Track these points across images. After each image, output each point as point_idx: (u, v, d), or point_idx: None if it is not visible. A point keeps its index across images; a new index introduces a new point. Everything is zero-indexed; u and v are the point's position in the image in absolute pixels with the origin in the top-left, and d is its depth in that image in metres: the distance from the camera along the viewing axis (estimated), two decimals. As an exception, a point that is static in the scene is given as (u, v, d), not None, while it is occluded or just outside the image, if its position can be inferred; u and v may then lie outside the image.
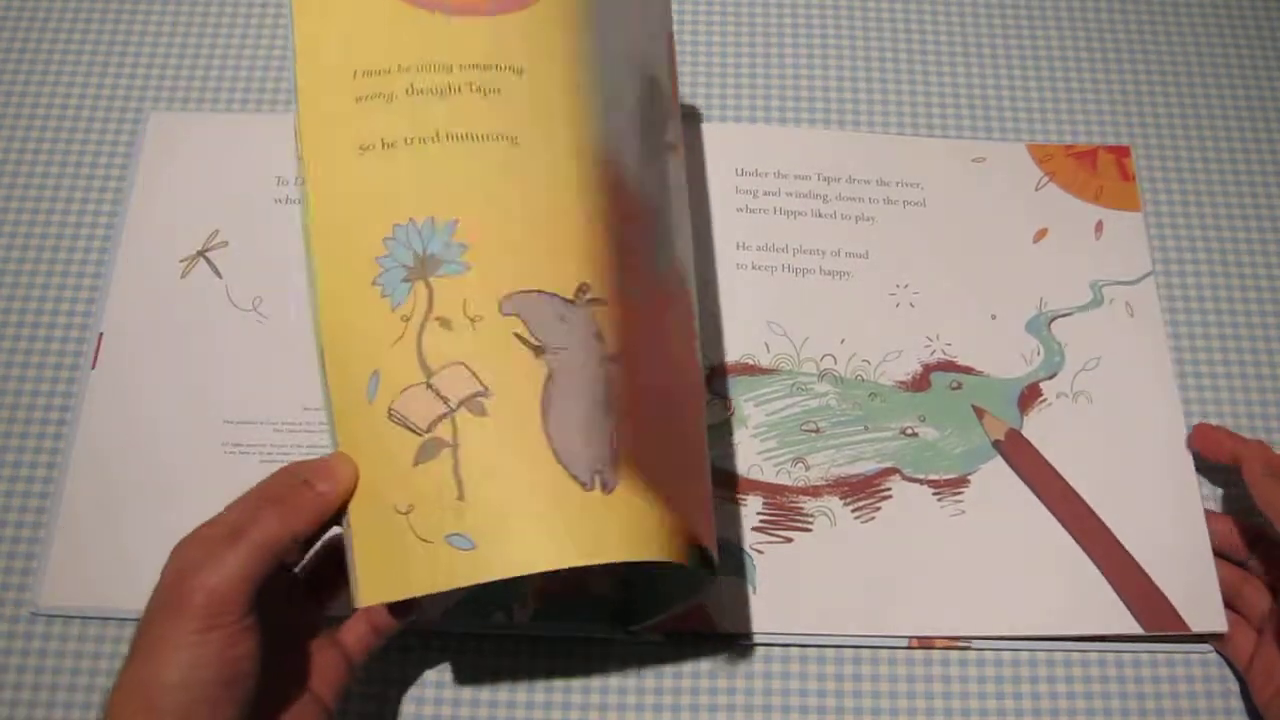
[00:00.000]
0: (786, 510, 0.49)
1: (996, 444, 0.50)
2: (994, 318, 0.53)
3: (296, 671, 0.38)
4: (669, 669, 0.47)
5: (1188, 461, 0.50)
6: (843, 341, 0.52)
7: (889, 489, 0.49)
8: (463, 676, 0.46)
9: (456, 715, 0.46)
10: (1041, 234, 0.54)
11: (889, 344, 0.52)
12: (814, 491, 0.49)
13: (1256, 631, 0.46)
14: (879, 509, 0.49)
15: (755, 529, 0.48)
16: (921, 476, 0.50)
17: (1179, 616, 0.46)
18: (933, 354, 0.52)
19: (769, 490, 0.49)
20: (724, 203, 0.55)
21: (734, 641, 0.47)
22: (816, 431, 0.50)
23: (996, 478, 0.50)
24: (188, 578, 0.33)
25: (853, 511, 0.49)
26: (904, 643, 0.47)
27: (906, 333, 0.52)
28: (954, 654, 0.47)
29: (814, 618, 0.47)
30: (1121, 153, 0.56)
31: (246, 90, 0.57)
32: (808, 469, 0.49)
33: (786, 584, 0.47)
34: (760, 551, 0.48)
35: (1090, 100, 0.59)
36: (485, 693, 0.46)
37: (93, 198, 0.55)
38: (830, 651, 0.47)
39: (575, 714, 0.46)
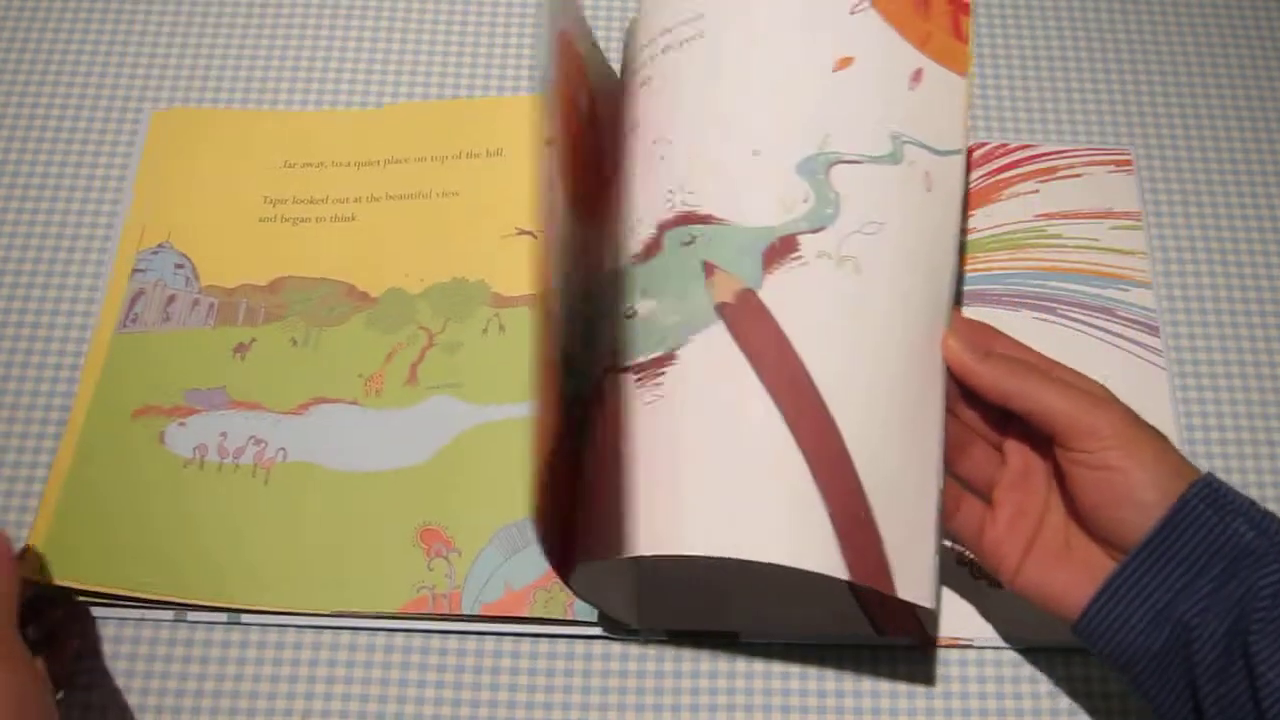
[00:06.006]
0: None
1: (721, 307, 0.38)
2: (756, 154, 0.41)
3: None
4: (669, 669, 0.47)
5: (939, 375, 0.40)
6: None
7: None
8: (463, 675, 0.46)
9: (456, 715, 0.46)
10: (845, 62, 0.42)
11: (633, 215, 0.42)
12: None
13: (986, 503, 0.42)
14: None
15: None
16: (628, 363, 0.39)
17: (889, 572, 0.37)
18: (671, 209, 0.41)
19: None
20: None
21: (734, 641, 0.47)
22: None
23: (712, 351, 0.38)
24: None
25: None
26: (907, 642, 0.47)
27: (647, 195, 0.42)
28: (954, 654, 0.47)
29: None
30: (960, 7, 0.45)
31: (247, 88, 0.57)
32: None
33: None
34: None
35: (1090, 104, 0.59)
36: (485, 693, 0.46)
37: (93, 197, 0.55)
38: (830, 651, 0.47)
39: (575, 714, 0.46)
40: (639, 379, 0.39)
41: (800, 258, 0.39)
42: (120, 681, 0.45)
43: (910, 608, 0.46)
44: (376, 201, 0.54)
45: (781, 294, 0.38)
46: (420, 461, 0.48)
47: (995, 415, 0.42)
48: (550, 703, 0.46)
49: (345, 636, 0.47)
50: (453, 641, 0.47)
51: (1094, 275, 0.54)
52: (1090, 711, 0.46)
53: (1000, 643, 0.47)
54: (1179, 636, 0.36)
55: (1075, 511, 0.40)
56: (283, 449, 0.49)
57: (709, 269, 0.39)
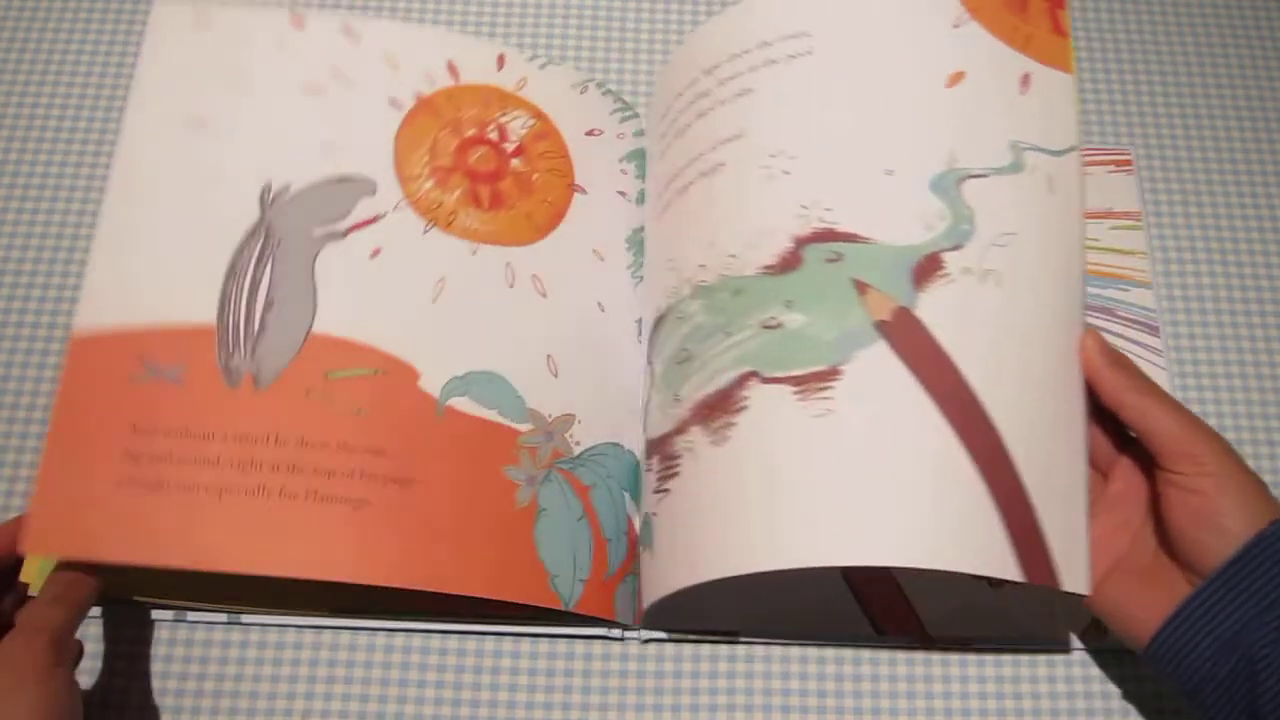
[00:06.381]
0: (666, 459, 0.44)
1: (881, 325, 0.40)
2: (890, 173, 0.43)
3: None
4: (669, 669, 0.47)
5: (1079, 374, 0.41)
6: (711, 244, 0.45)
7: (746, 398, 0.41)
8: (463, 675, 0.46)
9: (456, 715, 0.46)
10: (957, 78, 0.44)
11: (756, 226, 0.44)
12: (682, 428, 0.43)
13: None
14: (734, 425, 0.41)
15: (654, 491, 0.44)
16: (782, 375, 0.41)
17: (1053, 568, 0.39)
18: (807, 224, 0.42)
19: (658, 445, 0.45)
20: (652, 164, 0.51)
21: (734, 641, 0.47)
22: (688, 359, 0.44)
23: (876, 367, 0.40)
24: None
25: (709, 437, 0.42)
26: (907, 642, 0.47)
27: (776, 207, 0.43)
28: (954, 654, 0.47)
29: (690, 569, 0.41)
30: (1056, 2, 0.46)
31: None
32: (680, 404, 0.44)
33: (670, 539, 0.43)
34: (655, 514, 0.44)
35: (1090, 105, 0.59)
36: (485, 693, 0.46)
37: (93, 196, 0.55)
38: (830, 651, 0.47)
39: (575, 714, 0.46)
40: (800, 391, 0.40)
41: (947, 274, 0.41)
42: (119, 682, 0.45)
43: (910, 608, 0.46)
44: None
45: (935, 311, 0.40)
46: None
47: (1108, 440, 0.43)
48: (550, 703, 0.46)
49: (345, 636, 0.47)
50: (453, 641, 0.47)
51: (1094, 275, 0.54)
52: (1088, 712, 0.46)
53: (1000, 643, 0.47)
54: (1245, 666, 0.37)
55: (1164, 534, 0.41)
56: None
57: (860, 287, 0.41)
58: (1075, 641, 0.47)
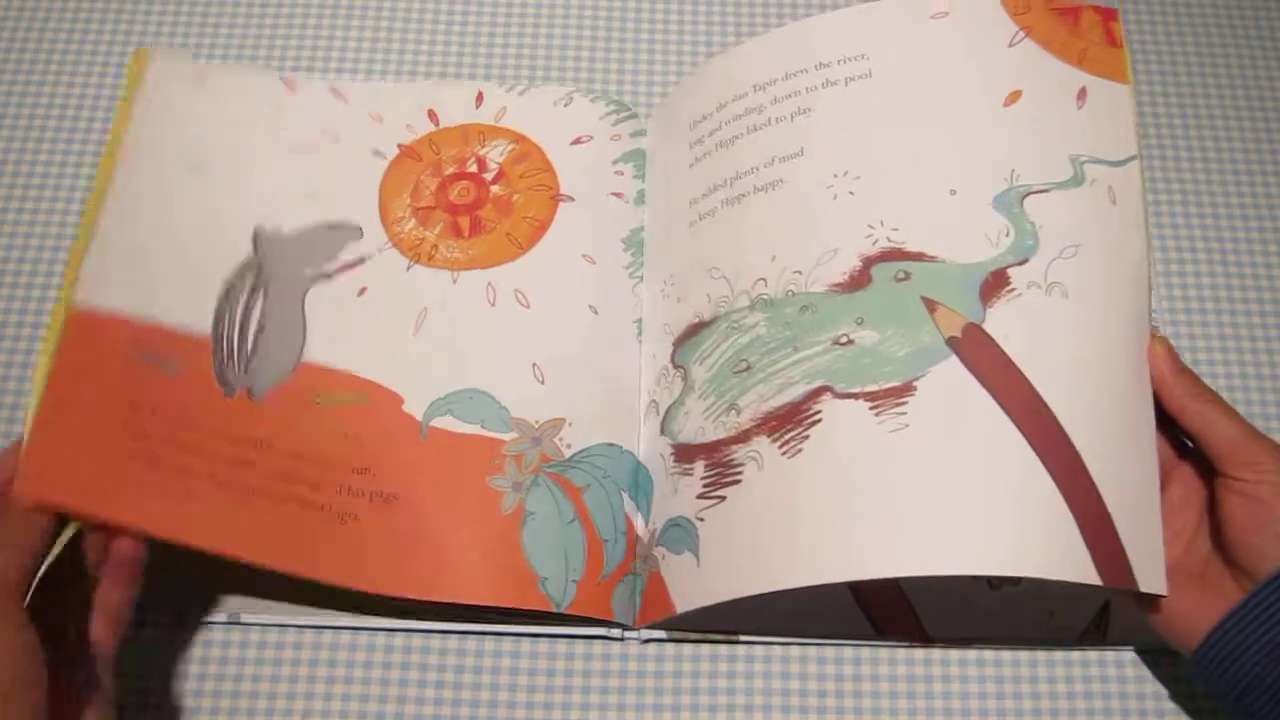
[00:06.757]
0: (720, 466, 0.44)
1: (951, 341, 0.42)
2: (953, 193, 0.44)
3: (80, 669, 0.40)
4: (669, 669, 0.47)
5: (1148, 382, 0.42)
6: (774, 259, 0.45)
7: (818, 412, 0.42)
8: (463, 675, 0.46)
9: (456, 715, 0.46)
10: (1014, 96, 0.45)
11: (823, 244, 0.44)
12: (743, 437, 0.43)
13: None
14: (807, 437, 0.42)
15: (699, 496, 0.44)
16: (857, 390, 0.42)
17: (1131, 571, 0.39)
18: (874, 243, 0.43)
19: (706, 450, 0.45)
20: (679, 170, 0.51)
21: (734, 641, 0.47)
22: (747, 369, 0.44)
23: (949, 382, 0.41)
24: None
25: (780, 448, 0.42)
26: (907, 642, 0.47)
27: (843, 226, 0.44)
28: (954, 654, 0.47)
29: (751, 577, 0.41)
30: (1109, 15, 0.47)
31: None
32: (739, 413, 0.44)
33: (725, 546, 0.43)
34: (702, 519, 0.44)
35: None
36: (485, 693, 0.46)
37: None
38: (830, 651, 0.47)
39: (575, 714, 0.46)
40: (875, 406, 0.41)
41: (1013, 289, 0.42)
42: (118, 682, 0.45)
43: (911, 609, 0.46)
44: None
45: (1004, 325, 0.42)
46: None
47: (1168, 447, 0.44)
48: (550, 703, 0.46)
49: (345, 636, 0.47)
50: (453, 641, 0.47)
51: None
52: (1089, 712, 0.46)
53: (1000, 643, 0.47)
54: None
55: (1220, 540, 0.41)
56: None
57: (930, 305, 0.42)
58: (1075, 642, 0.47)
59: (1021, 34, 0.46)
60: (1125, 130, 0.45)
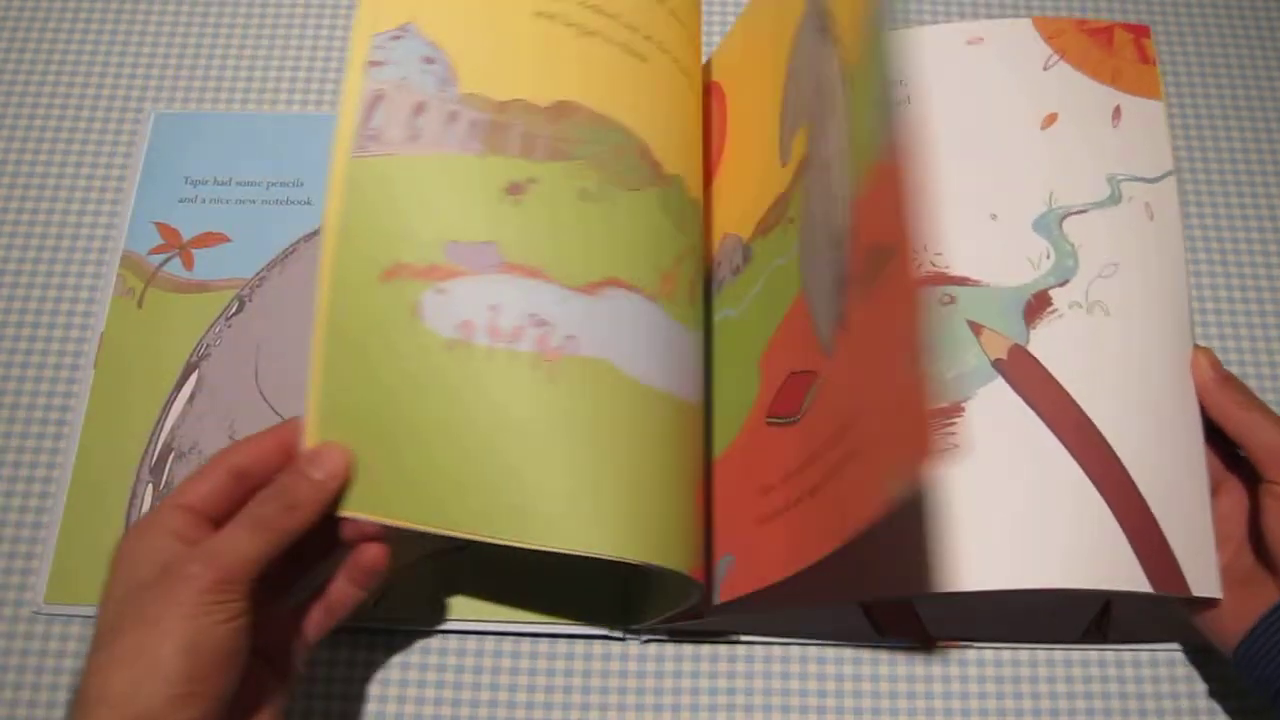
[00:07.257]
0: None
1: (997, 363, 0.43)
2: (994, 218, 0.45)
3: (266, 650, 0.39)
4: (669, 669, 0.47)
5: (1192, 393, 0.43)
6: None
7: None
8: (463, 675, 0.46)
9: (456, 715, 0.46)
10: (1050, 119, 0.47)
11: None
12: None
13: None
14: None
15: None
16: None
17: (1182, 577, 0.41)
18: (919, 269, 0.46)
19: None
20: None
21: (734, 641, 0.47)
22: None
23: (997, 403, 0.43)
24: (195, 554, 0.34)
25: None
26: (907, 643, 0.47)
27: None
28: (954, 654, 0.47)
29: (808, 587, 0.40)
30: (1140, 32, 0.49)
31: (247, 89, 0.57)
32: None
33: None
34: None
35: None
36: (485, 692, 0.46)
37: (93, 196, 0.55)
38: (830, 651, 0.47)
39: (575, 714, 0.46)
40: None
41: (1055, 310, 0.44)
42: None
43: (913, 610, 0.46)
44: (667, 56, 0.44)
45: (1047, 346, 0.43)
46: (693, 401, 0.41)
47: (1218, 458, 0.44)
48: (550, 703, 0.46)
49: (345, 636, 0.47)
50: (453, 641, 0.47)
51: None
52: (1089, 712, 0.46)
53: (1000, 643, 0.47)
54: None
55: (1262, 545, 0.42)
56: (572, 336, 0.38)
57: (975, 328, 0.44)
58: (1075, 643, 0.47)
59: (1055, 56, 0.48)
60: (1160, 146, 0.47)
